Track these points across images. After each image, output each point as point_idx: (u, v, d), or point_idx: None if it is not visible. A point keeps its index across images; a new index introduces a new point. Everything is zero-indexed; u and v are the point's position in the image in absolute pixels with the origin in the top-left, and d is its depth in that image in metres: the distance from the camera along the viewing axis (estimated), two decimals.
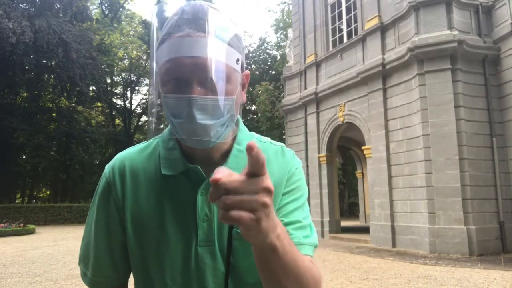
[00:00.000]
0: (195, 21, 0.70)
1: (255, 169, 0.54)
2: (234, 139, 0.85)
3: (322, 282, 0.77)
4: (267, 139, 0.93)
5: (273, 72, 28.07)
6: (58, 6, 24.03)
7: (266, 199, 0.54)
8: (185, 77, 0.70)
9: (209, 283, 0.79)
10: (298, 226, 0.80)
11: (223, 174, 0.53)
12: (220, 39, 0.71)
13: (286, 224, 0.78)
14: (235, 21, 0.78)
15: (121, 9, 32.81)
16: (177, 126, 0.71)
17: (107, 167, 0.87)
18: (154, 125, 0.77)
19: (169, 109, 0.72)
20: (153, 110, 0.75)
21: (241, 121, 0.88)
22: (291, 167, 0.87)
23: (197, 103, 0.69)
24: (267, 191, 0.54)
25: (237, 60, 0.74)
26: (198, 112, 0.69)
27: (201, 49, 0.68)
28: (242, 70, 0.79)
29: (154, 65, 0.75)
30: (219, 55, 0.70)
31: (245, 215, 0.53)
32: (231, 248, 0.75)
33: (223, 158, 0.83)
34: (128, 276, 0.90)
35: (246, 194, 0.53)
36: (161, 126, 0.92)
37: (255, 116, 26.60)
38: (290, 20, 24.84)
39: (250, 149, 0.52)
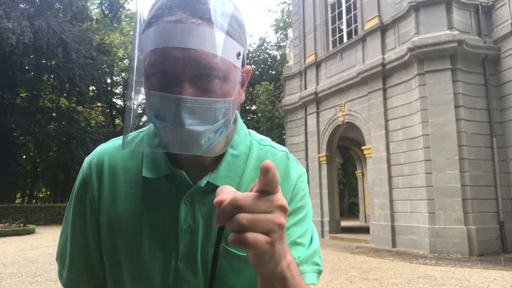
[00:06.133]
0: (189, 4, 0.58)
1: (269, 189, 0.47)
2: None
3: None
4: (268, 140, 0.81)
5: (273, 72, 28.09)
6: (58, 6, 24.03)
7: (282, 219, 0.48)
8: (174, 73, 0.58)
9: None
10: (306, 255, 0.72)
11: (230, 193, 0.46)
12: (220, 29, 0.58)
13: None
14: (238, 7, 0.65)
15: (121, 9, 32.81)
16: (161, 130, 0.60)
17: (86, 161, 0.77)
18: (131, 123, 0.64)
19: (152, 109, 0.60)
20: (132, 103, 0.63)
21: (239, 121, 0.77)
22: (297, 180, 0.76)
23: (187, 105, 0.57)
24: (283, 209, 0.48)
25: (238, 54, 0.63)
26: (187, 116, 0.58)
27: (195, 39, 0.56)
28: (243, 66, 0.67)
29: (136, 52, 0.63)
30: (217, 49, 0.58)
31: (262, 238, 0.46)
32: (216, 266, 0.68)
33: (214, 163, 0.72)
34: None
35: (261, 213, 0.46)
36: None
37: (255, 116, 26.62)
38: (290, 20, 24.85)
39: (266, 171, 0.45)
